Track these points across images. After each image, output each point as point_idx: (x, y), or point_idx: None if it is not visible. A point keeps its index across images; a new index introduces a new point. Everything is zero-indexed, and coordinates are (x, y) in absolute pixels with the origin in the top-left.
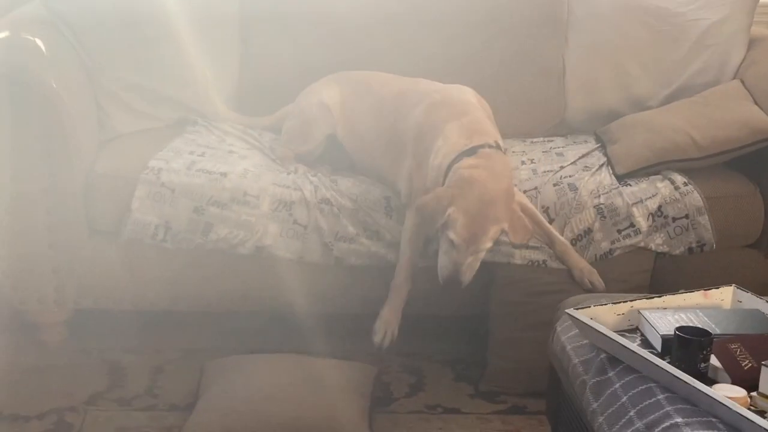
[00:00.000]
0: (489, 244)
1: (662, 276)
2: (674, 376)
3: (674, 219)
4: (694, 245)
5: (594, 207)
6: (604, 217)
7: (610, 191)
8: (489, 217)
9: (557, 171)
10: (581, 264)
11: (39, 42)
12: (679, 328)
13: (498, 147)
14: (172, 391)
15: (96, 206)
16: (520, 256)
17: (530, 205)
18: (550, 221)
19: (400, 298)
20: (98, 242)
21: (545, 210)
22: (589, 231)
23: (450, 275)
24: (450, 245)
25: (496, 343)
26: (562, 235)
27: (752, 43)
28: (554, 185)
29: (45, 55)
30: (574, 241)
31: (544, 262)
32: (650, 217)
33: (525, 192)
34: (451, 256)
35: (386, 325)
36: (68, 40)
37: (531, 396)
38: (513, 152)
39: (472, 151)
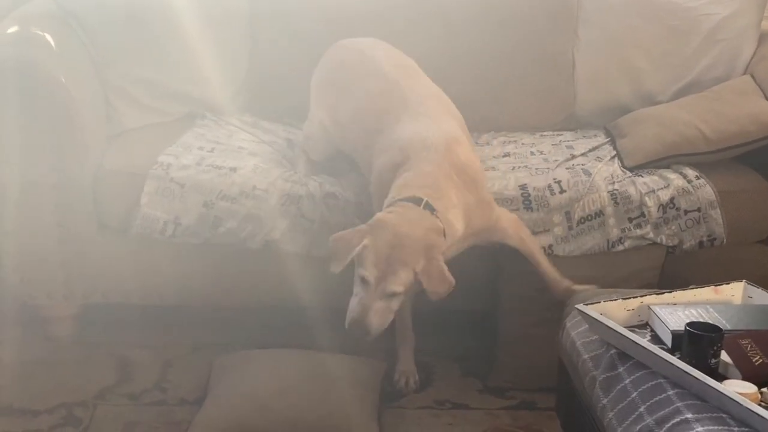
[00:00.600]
0: (399, 288)
1: (672, 272)
2: (684, 371)
3: (686, 212)
4: (704, 239)
5: (608, 192)
6: (617, 204)
7: (624, 180)
8: (398, 259)
9: (569, 159)
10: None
11: (48, 37)
12: (689, 324)
13: (421, 201)
14: (180, 385)
15: (105, 201)
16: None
17: (529, 244)
18: (562, 192)
19: (410, 348)
20: (107, 237)
21: (558, 182)
22: (600, 213)
23: (357, 318)
24: (360, 285)
25: (504, 339)
26: (573, 213)
27: (763, 38)
28: (567, 169)
29: (54, 50)
30: (583, 220)
31: (549, 247)
32: (662, 208)
33: (536, 170)
34: (360, 297)
35: (406, 374)
36: (77, 35)
37: (540, 391)
38: (522, 144)
39: (393, 202)
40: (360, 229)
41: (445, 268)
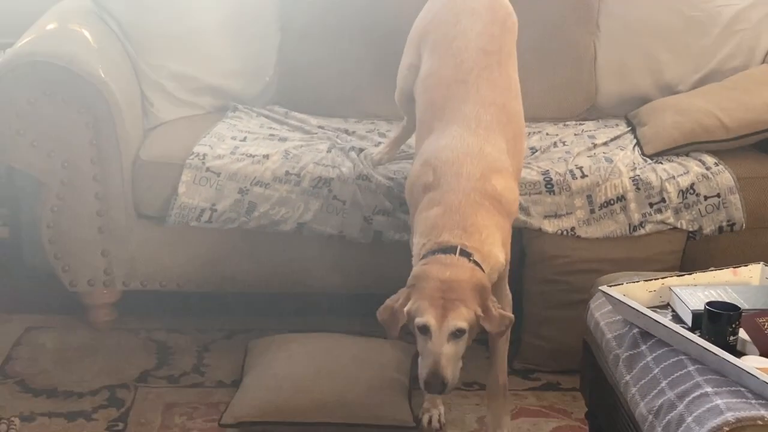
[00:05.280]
0: (463, 324)
1: (693, 256)
2: (704, 348)
3: (706, 197)
4: (724, 224)
5: (629, 178)
6: (638, 189)
7: (645, 166)
8: (454, 299)
9: (591, 148)
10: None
11: (86, 33)
12: (709, 303)
13: (455, 250)
14: (218, 368)
15: (143, 191)
16: (549, 224)
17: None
18: (584, 177)
19: None
20: (145, 226)
21: (579, 168)
22: (622, 198)
23: (431, 371)
24: (422, 337)
25: (529, 322)
26: (595, 197)
27: None
28: (589, 157)
29: (92, 45)
30: (605, 204)
31: (572, 229)
32: (682, 193)
33: (558, 159)
34: (428, 348)
35: (431, 411)
36: (113, 30)
37: (564, 373)
38: (547, 134)
39: (425, 254)
40: (401, 291)
41: (498, 305)
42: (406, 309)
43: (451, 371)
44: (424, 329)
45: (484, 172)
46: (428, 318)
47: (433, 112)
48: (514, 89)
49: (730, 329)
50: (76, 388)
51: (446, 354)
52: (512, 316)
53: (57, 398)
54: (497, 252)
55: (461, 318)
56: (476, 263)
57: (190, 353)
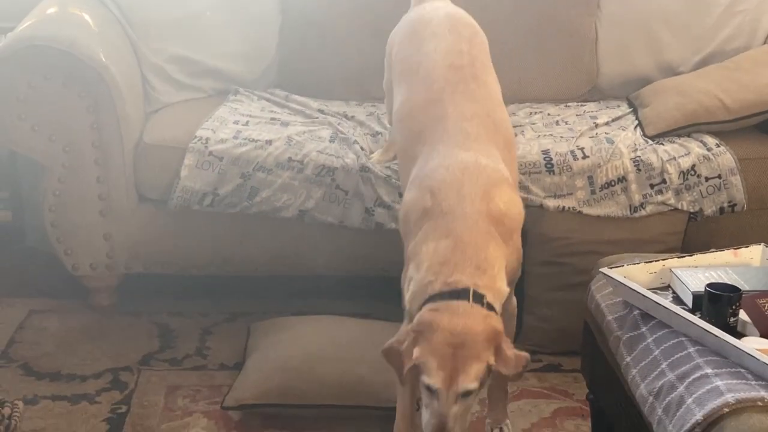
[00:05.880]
0: (474, 385)
1: (694, 237)
2: (705, 330)
3: (707, 178)
4: (725, 205)
5: (630, 159)
6: (639, 170)
7: (646, 147)
8: (466, 356)
9: (593, 128)
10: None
11: (86, 16)
12: (709, 285)
13: (466, 293)
14: (220, 351)
15: (144, 175)
16: (550, 202)
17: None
18: (585, 157)
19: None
20: (147, 209)
21: (581, 149)
22: (623, 179)
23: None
24: (429, 395)
25: (530, 304)
26: (596, 178)
27: None
28: (590, 138)
29: (93, 29)
30: (606, 185)
31: (573, 208)
32: (682, 175)
33: (561, 138)
34: (433, 407)
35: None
36: (113, 14)
37: (566, 355)
38: (548, 114)
39: (435, 298)
40: (406, 332)
41: (513, 350)
42: (413, 357)
43: (459, 429)
44: (430, 390)
45: (486, 190)
46: (436, 380)
47: (413, 139)
48: (496, 98)
49: (731, 310)
50: (79, 371)
51: (453, 415)
52: (528, 356)
53: (60, 381)
54: (503, 285)
55: (471, 380)
56: (489, 305)
57: (193, 336)
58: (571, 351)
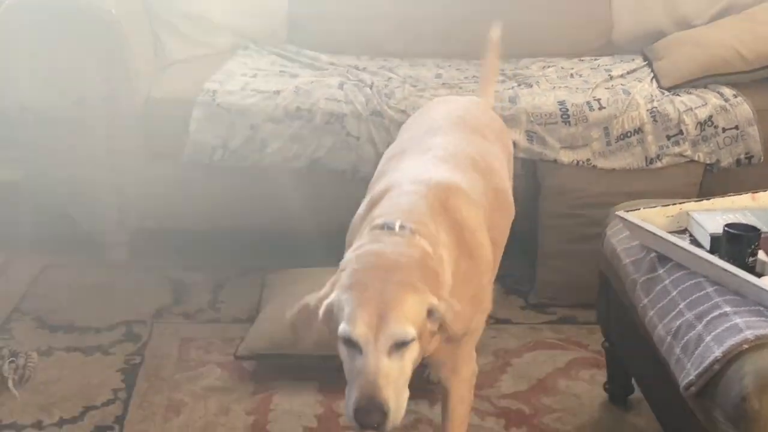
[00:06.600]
0: (410, 329)
1: (710, 189)
2: (723, 269)
3: (724, 129)
4: (742, 156)
5: (647, 110)
6: (656, 122)
7: (662, 99)
8: (396, 287)
9: (608, 80)
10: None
11: None
12: (727, 225)
13: (392, 226)
14: (233, 305)
15: (155, 130)
16: (565, 155)
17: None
18: (601, 108)
19: None
20: (159, 165)
21: (597, 100)
22: (639, 130)
23: (364, 396)
24: (350, 353)
25: (544, 256)
26: (612, 129)
27: None
28: (606, 89)
29: None
30: (622, 136)
31: (588, 161)
32: (699, 126)
33: (576, 89)
34: (356, 366)
35: None
36: None
37: (580, 307)
38: (562, 68)
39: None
40: (330, 282)
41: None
42: (325, 303)
43: (394, 394)
44: (350, 343)
45: (446, 186)
46: (355, 328)
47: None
48: (498, 168)
49: (749, 250)
50: (93, 324)
51: (385, 371)
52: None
53: (74, 334)
54: (447, 269)
55: (406, 318)
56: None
57: (206, 290)
58: (586, 303)
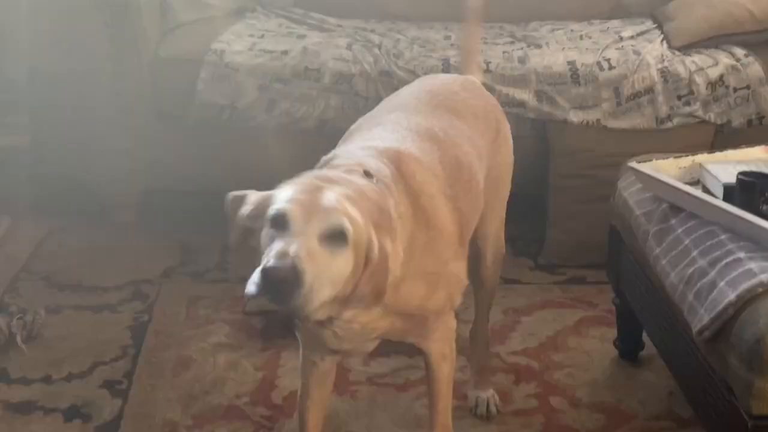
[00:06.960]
0: (345, 221)
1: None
2: (737, 216)
3: (735, 89)
4: (753, 117)
5: (657, 70)
6: (666, 82)
7: (673, 59)
8: (342, 192)
9: (618, 41)
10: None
11: None
12: (741, 173)
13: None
14: (241, 266)
15: (162, 90)
16: (575, 115)
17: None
18: (611, 68)
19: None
20: (166, 126)
21: (607, 60)
22: (650, 90)
23: (279, 253)
24: (272, 235)
25: (554, 217)
26: (623, 89)
27: None
28: (617, 49)
29: None
30: (632, 97)
31: (598, 121)
32: (710, 86)
33: (586, 49)
34: (281, 242)
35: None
36: None
37: (589, 267)
38: (572, 30)
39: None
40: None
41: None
42: (259, 193)
43: (312, 267)
44: (277, 222)
45: (400, 152)
46: (286, 206)
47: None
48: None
49: (763, 198)
50: (101, 283)
51: (309, 248)
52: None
53: (82, 292)
54: (400, 242)
55: (345, 216)
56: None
57: (213, 252)
58: (596, 264)
